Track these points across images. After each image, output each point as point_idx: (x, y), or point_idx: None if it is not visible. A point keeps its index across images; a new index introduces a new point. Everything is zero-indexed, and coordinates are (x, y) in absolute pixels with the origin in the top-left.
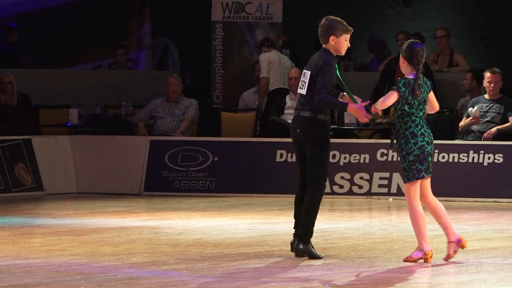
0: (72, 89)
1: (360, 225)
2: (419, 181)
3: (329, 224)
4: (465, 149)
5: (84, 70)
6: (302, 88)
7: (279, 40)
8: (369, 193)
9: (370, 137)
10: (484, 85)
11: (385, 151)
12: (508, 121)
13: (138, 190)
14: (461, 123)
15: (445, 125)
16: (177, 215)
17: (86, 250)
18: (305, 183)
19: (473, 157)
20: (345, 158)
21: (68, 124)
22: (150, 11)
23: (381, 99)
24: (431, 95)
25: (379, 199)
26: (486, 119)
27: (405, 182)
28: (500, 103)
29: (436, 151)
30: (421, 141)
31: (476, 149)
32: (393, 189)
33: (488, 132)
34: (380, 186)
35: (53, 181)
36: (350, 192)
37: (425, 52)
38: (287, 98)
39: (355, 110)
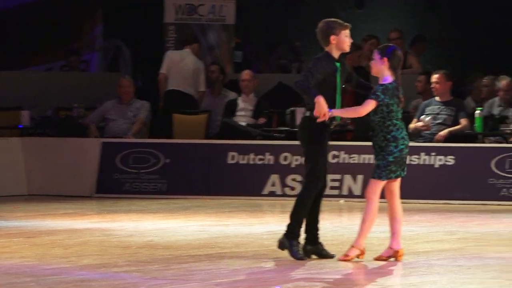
0: (24, 91)
1: None
2: (384, 182)
3: (280, 226)
4: (416, 151)
5: (36, 72)
6: None
7: (231, 42)
8: None
9: None
10: (432, 87)
11: (336, 153)
12: (459, 123)
13: (90, 192)
14: (411, 125)
15: None
16: (128, 217)
17: (36, 252)
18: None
19: (425, 159)
20: (296, 160)
21: (20, 126)
22: (103, 12)
23: (354, 108)
24: None
25: (330, 201)
26: (438, 121)
27: (374, 178)
28: (452, 105)
29: None
30: (401, 145)
31: (428, 151)
32: (344, 191)
33: (439, 134)
34: (331, 188)
35: (3, 183)
36: None
37: None
38: (239, 100)
39: (320, 103)
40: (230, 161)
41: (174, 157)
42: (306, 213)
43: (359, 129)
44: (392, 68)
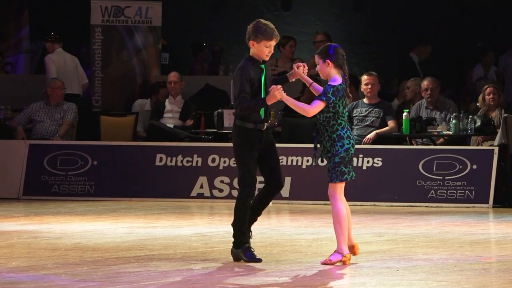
0: None
1: None
2: (344, 182)
3: (208, 228)
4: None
5: None
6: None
7: (158, 44)
8: None
9: None
10: (361, 88)
11: None
12: (387, 125)
13: (17, 194)
14: None
15: None
16: (56, 219)
17: None
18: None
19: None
20: (224, 162)
21: None
22: (29, 14)
23: (304, 106)
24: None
25: None
26: (366, 123)
27: (329, 182)
28: (379, 107)
29: None
30: (347, 144)
31: (355, 153)
32: None
33: (367, 137)
34: (259, 190)
35: None
36: (230, 196)
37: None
38: (166, 102)
39: (271, 95)
40: (158, 163)
41: (101, 159)
42: (244, 219)
43: (286, 132)
44: (338, 66)
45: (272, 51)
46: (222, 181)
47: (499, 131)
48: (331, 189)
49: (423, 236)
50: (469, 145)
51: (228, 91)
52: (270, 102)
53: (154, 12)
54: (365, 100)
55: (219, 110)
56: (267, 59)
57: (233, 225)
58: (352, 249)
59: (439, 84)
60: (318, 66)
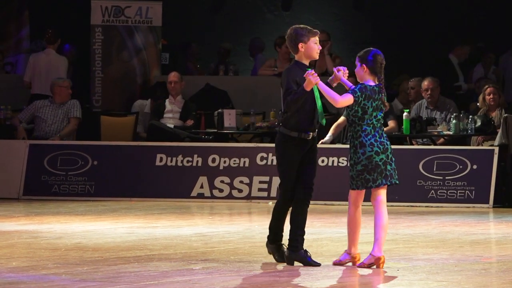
0: None
1: (240, 229)
2: (364, 190)
3: (209, 228)
4: (344, 153)
5: None
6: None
7: (158, 44)
8: (249, 197)
9: (249, 141)
10: None
11: (264, 155)
12: (387, 125)
13: (17, 194)
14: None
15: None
16: (56, 219)
17: None
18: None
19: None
20: (224, 162)
21: None
22: (29, 14)
23: (335, 94)
24: None
25: (259, 203)
26: None
27: (352, 189)
28: None
29: None
30: (369, 151)
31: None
32: (273, 193)
33: None
34: (260, 190)
35: None
36: (230, 196)
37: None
38: (167, 102)
39: (307, 82)
40: (158, 163)
41: (102, 159)
42: (280, 220)
43: None
44: (374, 73)
45: (321, 47)
46: (222, 181)
47: (499, 131)
48: (349, 195)
49: (423, 236)
50: (469, 145)
51: (228, 91)
52: (307, 88)
53: (154, 12)
54: None
55: (219, 110)
56: (317, 56)
57: (270, 225)
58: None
59: (440, 84)
60: (356, 67)
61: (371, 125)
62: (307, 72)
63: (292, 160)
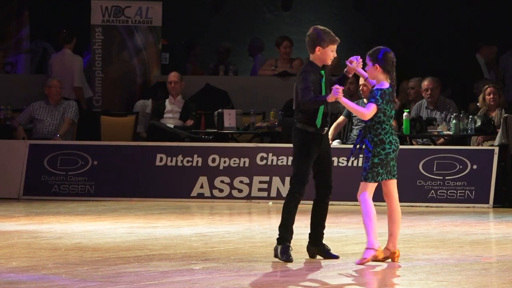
0: None
1: (240, 229)
2: (376, 184)
3: (209, 228)
4: (345, 153)
5: None
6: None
7: (158, 44)
8: (249, 197)
9: (249, 141)
10: (360, 89)
11: (264, 155)
12: None
13: (17, 194)
14: (334, 124)
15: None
16: (56, 219)
17: None
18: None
19: (353, 161)
20: (225, 162)
21: None
22: (29, 14)
23: (361, 109)
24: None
25: (259, 203)
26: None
27: (363, 180)
28: None
29: None
30: (388, 148)
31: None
32: (273, 193)
33: None
34: (260, 190)
35: None
36: (230, 196)
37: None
38: (167, 102)
39: (331, 95)
40: (158, 163)
41: (102, 159)
42: (290, 216)
43: (286, 132)
44: (386, 71)
45: (336, 56)
46: (222, 181)
47: (499, 131)
48: (360, 187)
49: (423, 236)
50: (469, 145)
51: (228, 91)
52: (330, 100)
53: (154, 12)
54: (365, 100)
55: (219, 110)
56: (330, 63)
57: (281, 220)
58: (392, 255)
59: (440, 84)
60: (367, 66)
61: (389, 124)
62: (334, 86)
63: (310, 154)
